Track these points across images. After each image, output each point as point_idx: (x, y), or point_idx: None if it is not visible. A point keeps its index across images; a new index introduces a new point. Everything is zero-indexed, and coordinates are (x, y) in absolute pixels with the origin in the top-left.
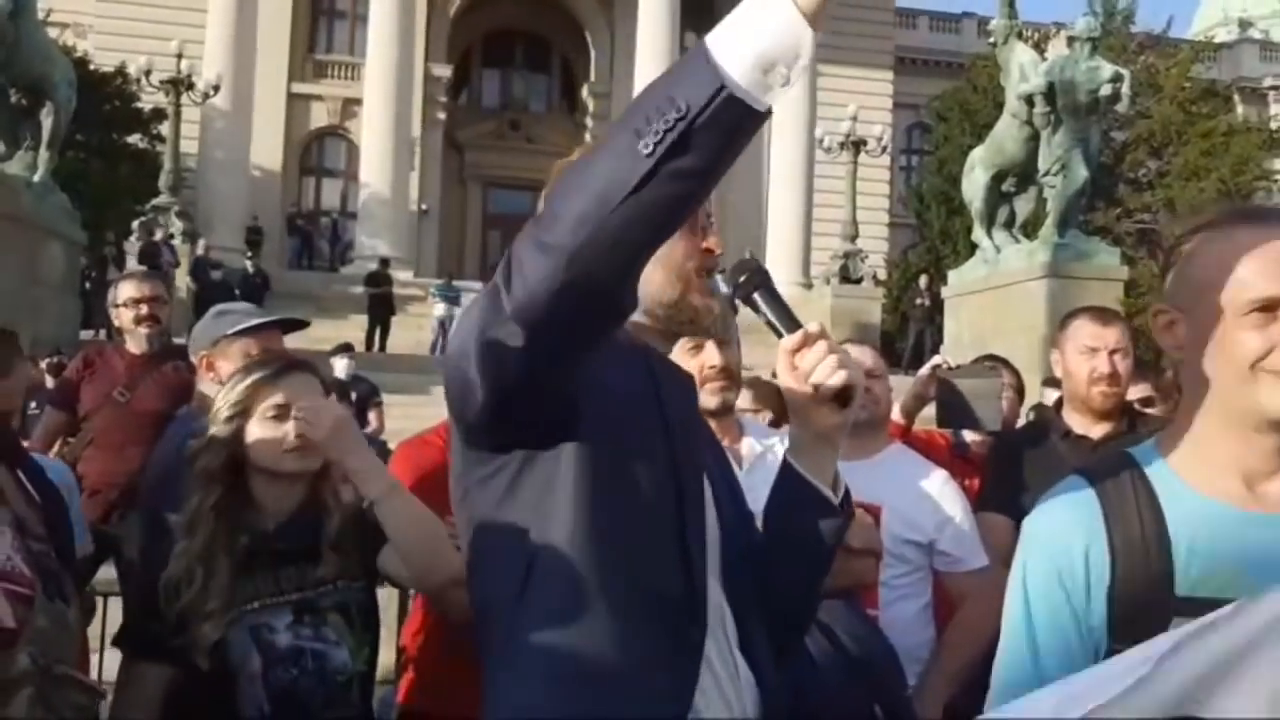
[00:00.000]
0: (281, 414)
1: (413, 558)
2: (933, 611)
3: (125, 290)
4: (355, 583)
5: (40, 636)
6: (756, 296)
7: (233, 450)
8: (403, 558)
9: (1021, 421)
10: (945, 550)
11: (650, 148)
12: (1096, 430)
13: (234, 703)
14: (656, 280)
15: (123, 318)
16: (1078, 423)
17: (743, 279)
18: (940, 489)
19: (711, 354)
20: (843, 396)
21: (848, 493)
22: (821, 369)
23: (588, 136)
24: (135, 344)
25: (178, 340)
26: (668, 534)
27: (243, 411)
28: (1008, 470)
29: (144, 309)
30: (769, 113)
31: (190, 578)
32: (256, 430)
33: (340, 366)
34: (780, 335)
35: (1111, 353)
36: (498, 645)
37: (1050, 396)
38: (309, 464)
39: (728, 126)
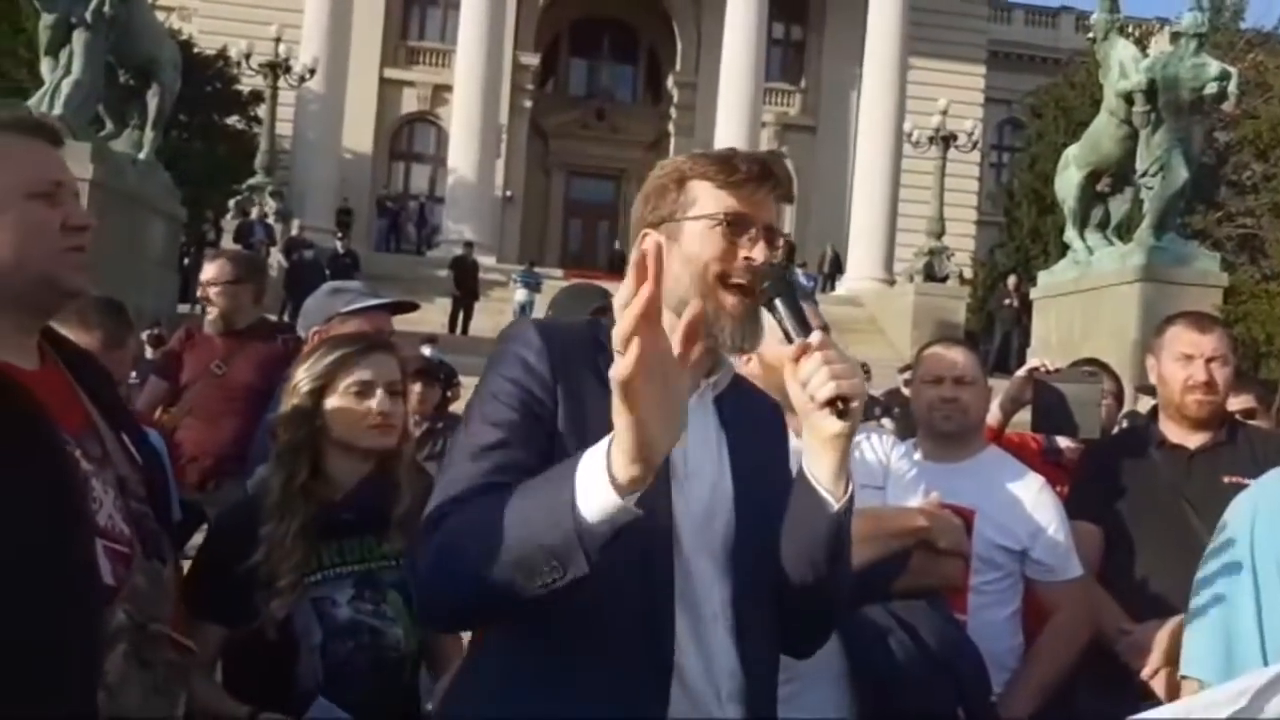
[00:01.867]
0: (365, 390)
1: None
2: (1021, 619)
3: (202, 274)
4: None
5: (137, 594)
6: (777, 302)
7: (312, 423)
8: None
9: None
10: (1039, 559)
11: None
12: (1193, 440)
13: (287, 668)
14: (683, 282)
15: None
16: (1173, 431)
17: (766, 284)
18: (1036, 495)
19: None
20: (837, 406)
21: (850, 499)
22: (815, 379)
23: (671, 126)
24: (209, 325)
25: (269, 316)
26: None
27: (324, 385)
28: (1099, 478)
29: (209, 291)
30: None
31: (273, 556)
32: (338, 403)
33: (425, 352)
34: (791, 341)
35: (1208, 360)
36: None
37: (1146, 403)
38: (386, 441)
39: None
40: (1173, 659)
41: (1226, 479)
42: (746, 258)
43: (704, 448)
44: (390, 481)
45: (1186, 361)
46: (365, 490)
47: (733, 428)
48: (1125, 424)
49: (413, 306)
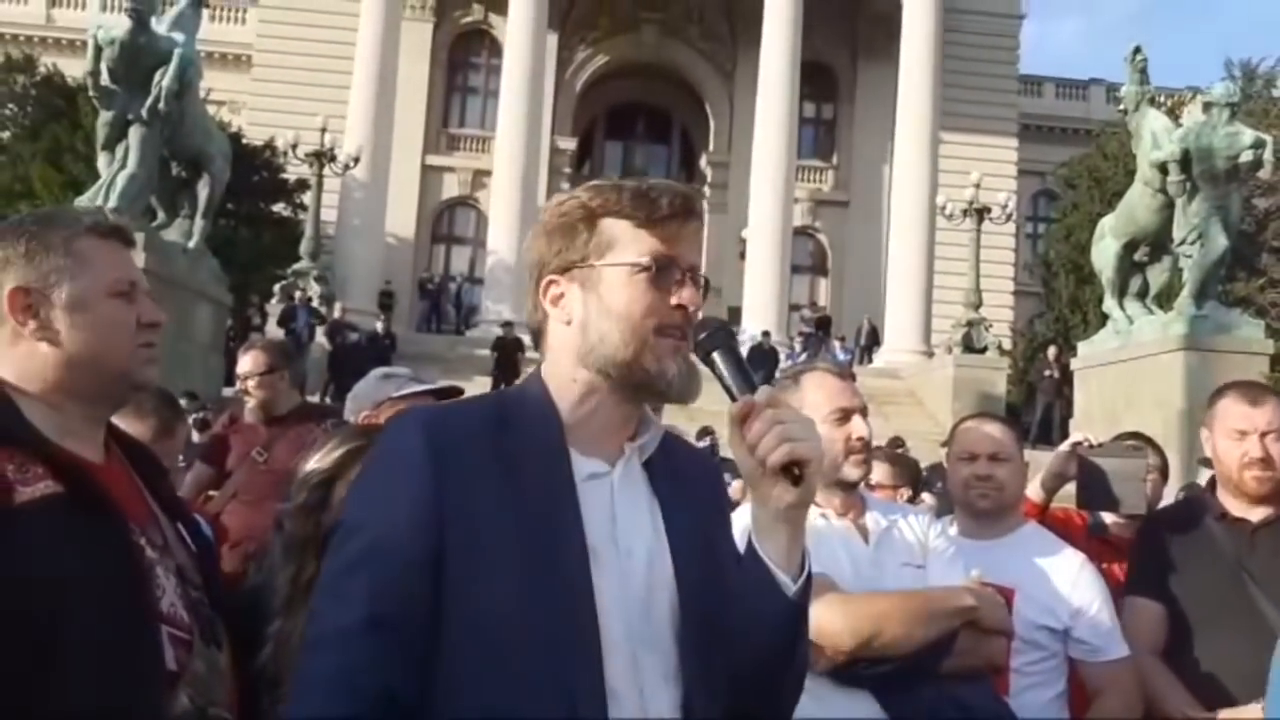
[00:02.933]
0: None
1: None
2: (1068, 701)
3: (238, 367)
4: None
5: (197, 680)
6: (715, 356)
7: (320, 516)
8: None
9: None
10: (1081, 638)
11: None
12: (1255, 513)
13: None
14: (612, 339)
15: None
16: (1234, 505)
17: (702, 337)
18: (1077, 573)
19: (860, 426)
20: (792, 473)
21: (808, 579)
22: (765, 442)
23: (705, 204)
24: (249, 415)
25: (312, 399)
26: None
27: (331, 478)
28: (1158, 552)
29: (247, 384)
30: None
31: (280, 655)
32: (344, 497)
33: None
34: (734, 400)
35: (1263, 435)
36: None
37: (1206, 475)
38: None
39: None
40: None
41: None
42: (678, 305)
43: (636, 521)
44: None
45: (1240, 438)
46: None
47: (667, 495)
48: (1181, 495)
49: (459, 392)
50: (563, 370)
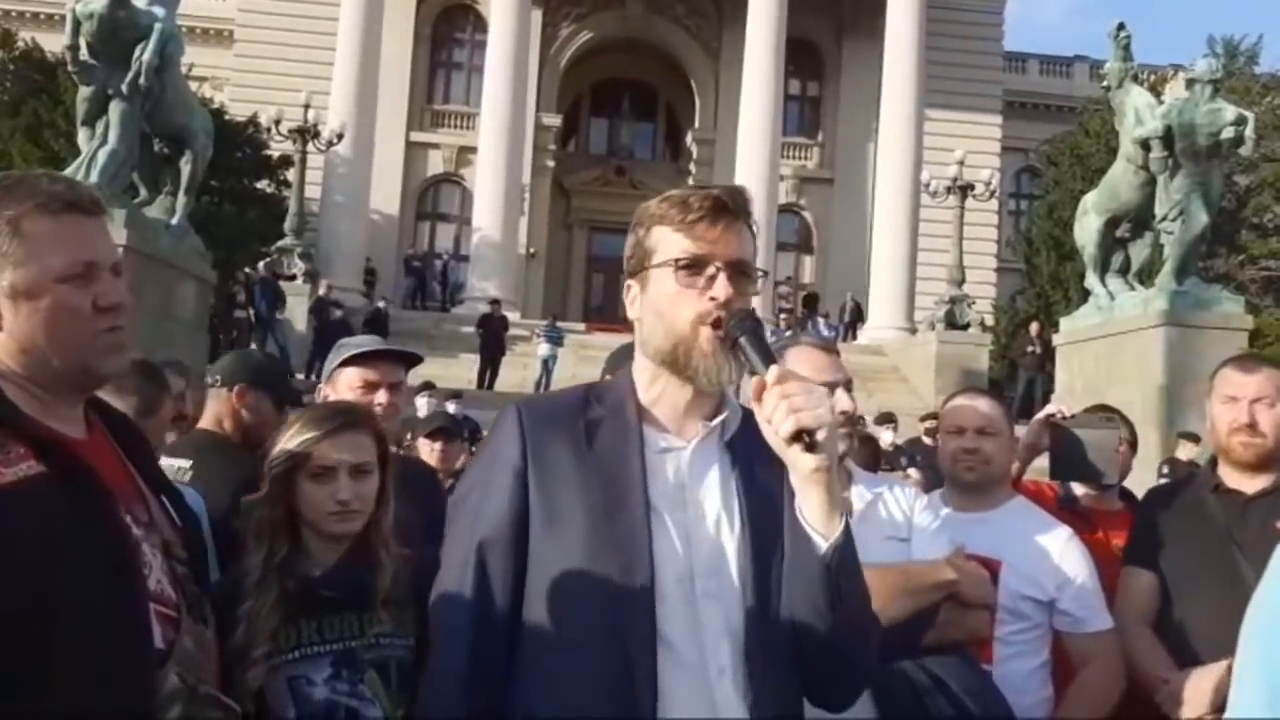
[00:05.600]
0: (326, 474)
1: None
2: (1050, 671)
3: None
4: (401, 640)
5: (186, 657)
6: (742, 341)
7: (288, 501)
8: None
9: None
10: (1066, 610)
11: None
12: (1251, 485)
13: None
14: (656, 331)
15: None
16: (1231, 477)
17: (732, 323)
18: (1063, 546)
19: (843, 400)
20: (804, 440)
21: (847, 537)
22: (776, 416)
23: (690, 181)
24: None
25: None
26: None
27: (295, 465)
28: (1154, 523)
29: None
30: None
31: (249, 629)
32: (304, 486)
33: (421, 405)
34: None
35: (1252, 402)
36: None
37: (1187, 449)
38: (348, 527)
39: None
40: (1215, 707)
41: None
42: (711, 297)
43: (709, 492)
44: (372, 558)
45: (1231, 404)
46: (345, 568)
47: (747, 470)
48: (1165, 470)
49: (415, 359)
50: (638, 360)
